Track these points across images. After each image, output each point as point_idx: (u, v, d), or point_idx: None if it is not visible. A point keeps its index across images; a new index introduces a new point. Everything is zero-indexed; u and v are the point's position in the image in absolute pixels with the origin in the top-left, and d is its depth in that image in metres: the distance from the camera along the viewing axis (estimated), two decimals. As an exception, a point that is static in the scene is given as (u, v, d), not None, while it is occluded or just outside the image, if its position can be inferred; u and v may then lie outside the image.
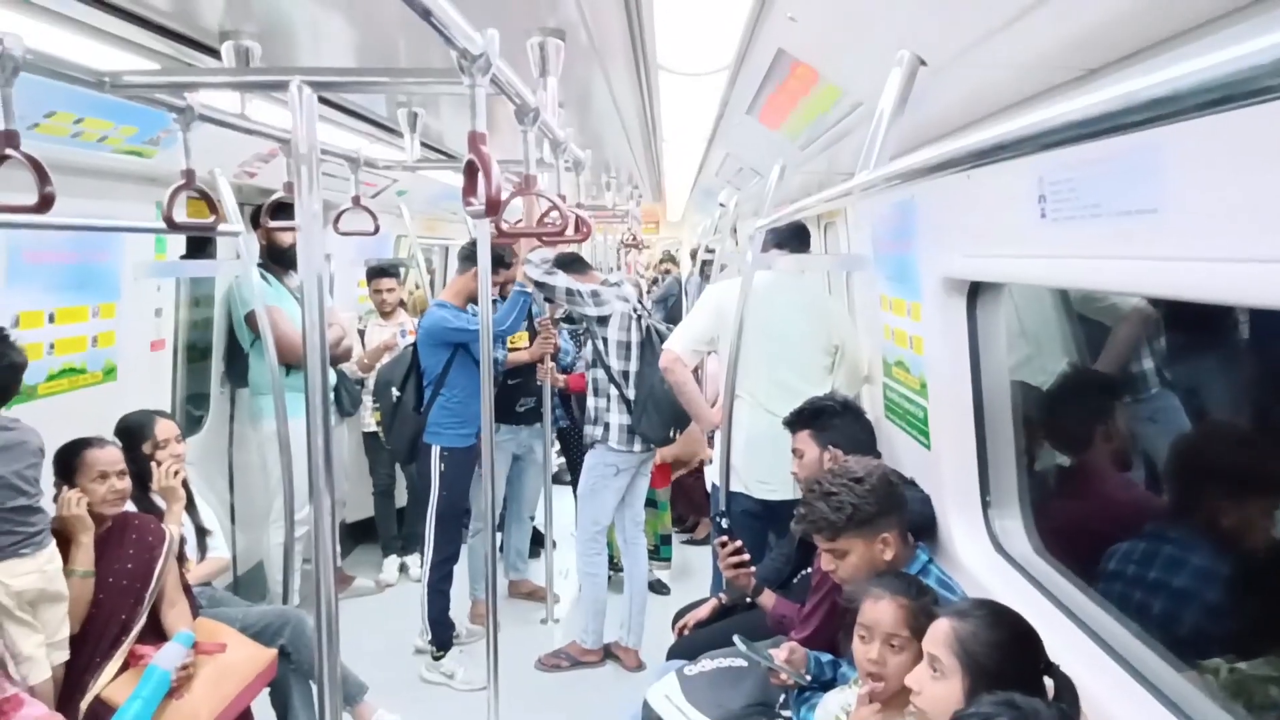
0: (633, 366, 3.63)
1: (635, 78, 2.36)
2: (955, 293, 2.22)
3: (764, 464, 3.06)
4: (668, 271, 10.67)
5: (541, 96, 1.89)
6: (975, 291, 2.22)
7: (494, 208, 1.32)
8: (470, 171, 1.33)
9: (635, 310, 3.70)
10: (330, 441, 1.63)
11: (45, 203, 1.42)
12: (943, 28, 1.37)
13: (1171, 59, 1.12)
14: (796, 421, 2.56)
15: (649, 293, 9.25)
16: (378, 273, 4.86)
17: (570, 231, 2.16)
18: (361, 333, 4.78)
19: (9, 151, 1.39)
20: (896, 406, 2.75)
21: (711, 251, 6.61)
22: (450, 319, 3.65)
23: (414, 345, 3.87)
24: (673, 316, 7.70)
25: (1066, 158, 1.48)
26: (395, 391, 3.86)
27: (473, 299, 3.73)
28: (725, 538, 2.68)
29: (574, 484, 4.47)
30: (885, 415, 2.88)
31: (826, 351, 3.19)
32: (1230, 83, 0.53)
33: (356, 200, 2.79)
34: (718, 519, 3.10)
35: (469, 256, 3.74)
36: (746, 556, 2.61)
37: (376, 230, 2.97)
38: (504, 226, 1.85)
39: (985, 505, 2.25)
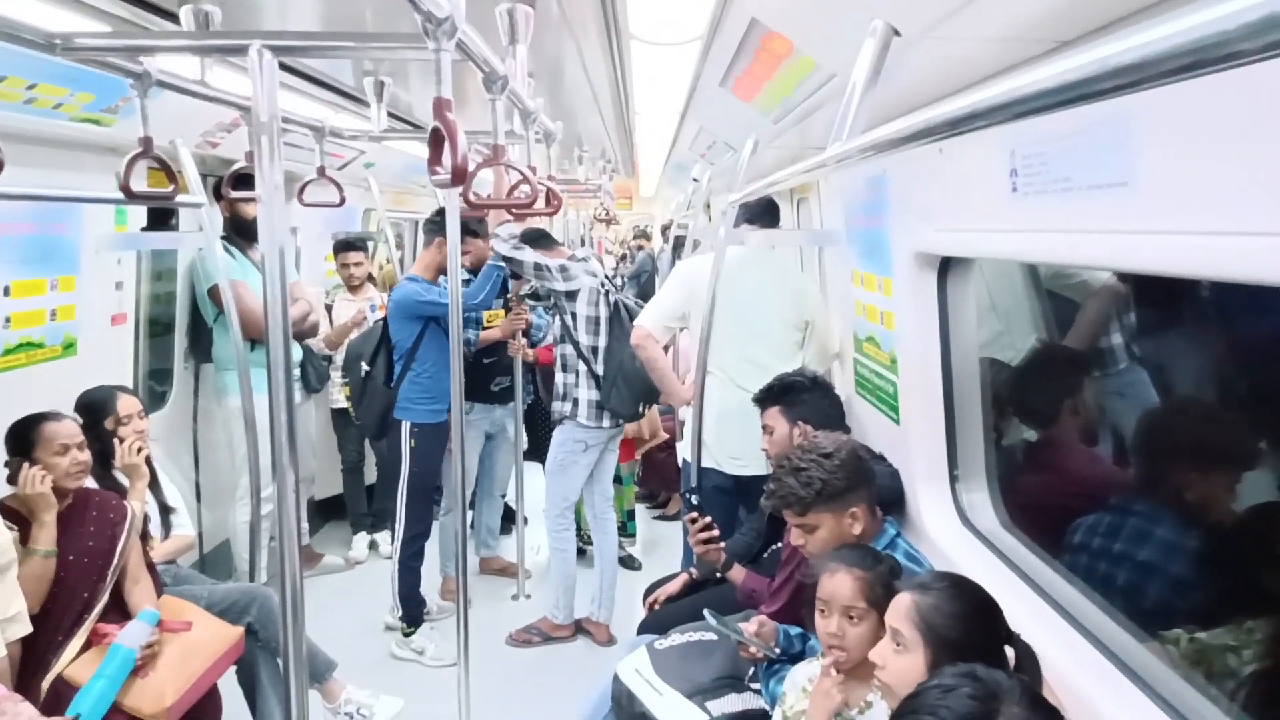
0: (601, 342, 3.62)
1: (607, 47, 2.33)
2: (926, 268, 2.22)
3: (735, 440, 3.06)
4: (640, 247, 10.62)
5: (510, 65, 1.85)
6: (946, 267, 2.22)
7: (460, 177, 1.29)
8: (436, 140, 1.30)
9: (603, 285, 3.68)
10: (294, 417, 1.61)
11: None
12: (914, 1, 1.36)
13: (1143, 29, 1.12)
14: (766, 398, 2.57)
15: (617, 269, 9.20)
16: (345, 246, 4.79)
17: (540, 204, 2.13)
18: (329, 307, 4.72)
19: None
20: (866, 382, 2.76)
21: (684, 227, 6.59)
22: (421, 292, 3.61)
23: (384, 319, 3.82)
24: (646, 293, 7.68)
25: (1038, 131, 1.47)
26: (365, 366, 3.81)
27: (443, 271, 3.70)
28: (695, 513, 2.69)
29: (538, 459, 4.48)
30: (855, 391, 2.89)
31: (797, 327, 3.19)
32: (1200, 47, 0.52)
33: (322, 171, 2.74)
34: (688, 495, 3.10)
35: (434, 228, 3.70)
36: (716, 532, 2.62)
37: (342, 201, 2.92)
38: (473, 198, 1.81)
39: (953, 479, 2.27)
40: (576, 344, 3.63)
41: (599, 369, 3.61)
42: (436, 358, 3.64)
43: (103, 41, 1.59)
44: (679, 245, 6.89)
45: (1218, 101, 1.06)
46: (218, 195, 3.70)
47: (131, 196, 2.03)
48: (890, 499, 2.38)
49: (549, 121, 2.64)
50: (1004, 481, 2.28)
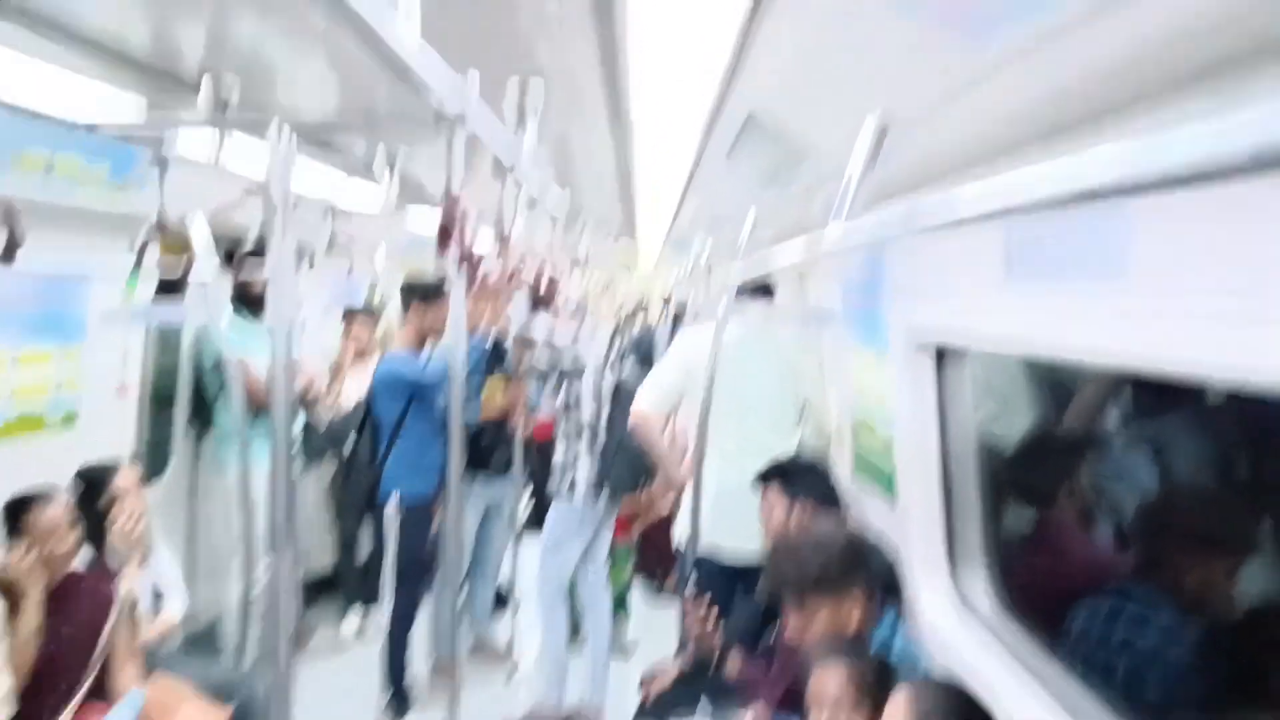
0: (603, 418, 3.61)
1: (610, 130, 2.39)
2: (923, 352, 2.23)
3: (733, 520, 3.03)
4: (641, 317, 10.67)
5: (517, 147, 1.90)
6: (943, 350, 2.23)
7: (468, 262, 1.33)
8: (445, 228, 1.33)
9: (608, 361, 3.70)
10: (294, 498, 1.60)
11: (9, 252, 1.40)
12: (910, 90, 1.41)
13: (1140, 124, 1.15)
14: (764, 478, 2.56)
15: (614, 337, 9.17)
16: (352, 315, 4.83)
17: (543, 284, 2.17)
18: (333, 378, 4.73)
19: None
20: (864, 463, 2.75)
21: (684, 304, 6.65)
22: (405, 366, 3.60)
23: (367, 396, 3.81)
24: (645, 361, 7.67)
25: (1033, 218, 1.50)
26: (349, 443, 3.79)
27: (425, 339, 3.71)
28: (692, 598, 2.64)
29: (537, 528, 4.41)
30: (853, 472, 2.88)
31: (794, 405, 3.20)
32: (1191, 166, 0.55)
33: (331, 246, 2.78)
34: (686, 577, 3.05)
35: (406, 297, 3.71)
36: (714, 617, 2.56)
37: (350, 275, 2.96)
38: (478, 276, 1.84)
39: (952, 564, 2.24)
40: (578, 419, 3.62)
41: (599, 445, 3.60)
42: (422, 431, 3.61)
43: (127, 122, 1.64)
44: (679, 316, 6.93)
45: (1215, 202, 1.08)
46: (229, 260, 3.73)
47: (143, 271, 2.06)
48: (889, 583, 2.35)
49: (555, 198, 2.70)
50: (1003, 566, 2.26)
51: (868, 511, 2.69)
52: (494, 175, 1.89)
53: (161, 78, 1.91)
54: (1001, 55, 1.17)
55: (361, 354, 4.73)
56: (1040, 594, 2.17)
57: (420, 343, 3.70)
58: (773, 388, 3.18)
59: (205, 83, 1.84)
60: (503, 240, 1.85)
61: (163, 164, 1.88)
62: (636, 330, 9.84)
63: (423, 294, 3.64)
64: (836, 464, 3.00)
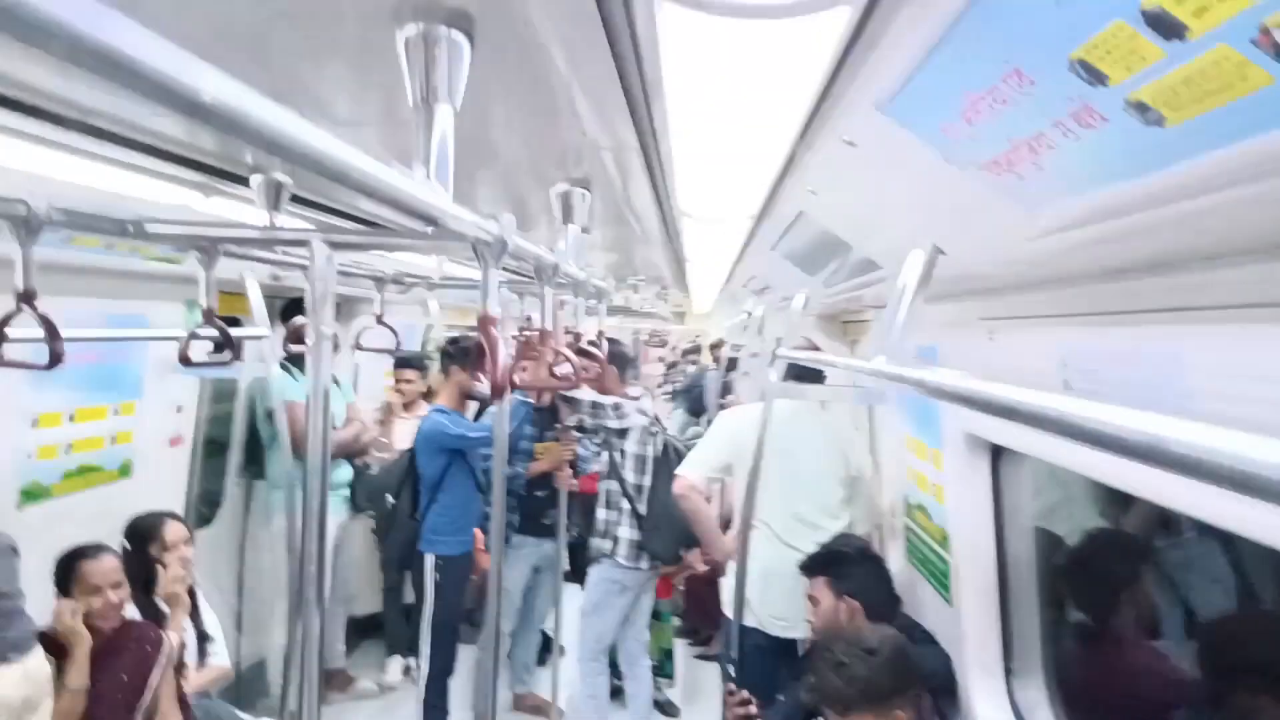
0: (646, 481, 3.58)
1: (659, 220, 2.36)
2: (979, 449, 2.15)
3: (779, 599, 2.95)
4: (693, 362, 10.61)
5: (562, 248, 1.89)
6: (999, 448, 2.15)
7: (500, 391, 1.31)
8: (479, 350, 1.32)
9: (654, 425, 3.66)
10: (324, 552, 1.61)
11: (55, 359, 1.44)
12: (961, 225, 1.35)
13: (1186, 274, 1.09)
14: (812, 567, 2.48)
15: (667, 376, 9.06)
16: (401, 363, 4.89)
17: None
18: (381, 424, 4.78)
19: (24, 308, 1.41)
20: (918, 553, 2.65)
21: (738, 348, 6.58)
22: (449, 425, 3.61)
23: (411, 451, 3.83)
24: (695, 409, 7.62)
25: (1090, 348, 1.43)
26: (389, 498, 3.81)
27: (467, 397, 3.73)
28: (733, 685, 2.57)
29: (578, 581, 4.38)
30: (907, 559, 2.78)
31: (843, 483, 3.11)
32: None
33: (379, 318, 2.80)
34: (727, 664, 2.97)
35: (449, 358, 3.74)
36: (754, 710, 2.49)
37: (398, 347, 2.98)
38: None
39: (1008, 673, 2.14)
40: (623, 481, 3.59)
41: (642, 508, 3.56)
42: (461, 489, 3.62)
43: (171, 229, 1.67)
44: (732, 365, 6.87)
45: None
46: (284, 316, 3.81)
47: (189, 364, 2.10)
48: (943, 685, 2.25)
49: (599, 282, 2.68)
50: (1061, 677, 2.15)
51: (923, 604, 2.59)
52: (535, 275, 1.87)
53: (211, 170, 1.95)
54: (1053, 211, 1.11)
55: (410, 403, 4.79)
56: (1100, 709, 2.06)
57: (462, 402, 3.73)
58: (822, 466, 3.10)
59: (255, 182, 1.87)
60: (542, 336, 1.83)
61: (210, 264, 1.90)
62: (688, 375, 9.78)
63: (462, 357, 3.66)
64: (888, 549, 2.91)
